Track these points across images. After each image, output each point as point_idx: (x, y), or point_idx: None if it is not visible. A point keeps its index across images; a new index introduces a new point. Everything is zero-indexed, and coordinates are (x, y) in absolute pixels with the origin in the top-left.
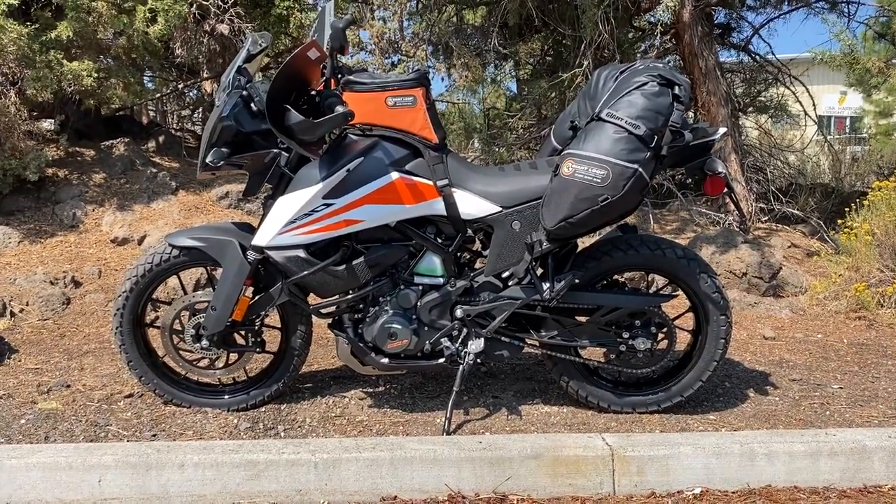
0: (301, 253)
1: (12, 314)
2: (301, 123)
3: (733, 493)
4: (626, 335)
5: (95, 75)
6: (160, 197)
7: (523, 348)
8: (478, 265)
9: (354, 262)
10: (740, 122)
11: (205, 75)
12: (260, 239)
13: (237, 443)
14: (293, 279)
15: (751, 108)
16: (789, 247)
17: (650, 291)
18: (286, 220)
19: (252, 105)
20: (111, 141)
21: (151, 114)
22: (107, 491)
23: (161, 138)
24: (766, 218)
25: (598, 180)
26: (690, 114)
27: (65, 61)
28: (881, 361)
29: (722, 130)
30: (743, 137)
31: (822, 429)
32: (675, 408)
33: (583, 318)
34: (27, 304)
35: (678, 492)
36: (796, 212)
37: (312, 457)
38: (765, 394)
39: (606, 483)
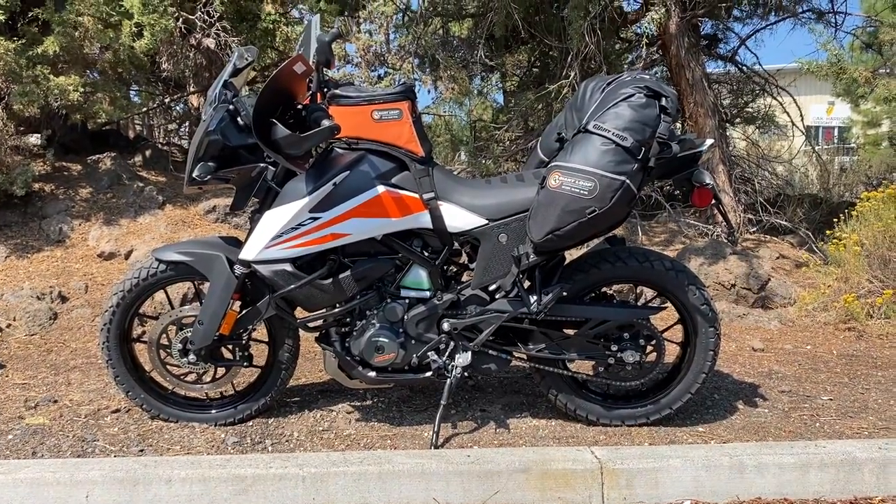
0: (288, 267)
1: (0, 329)
2: (288, 138)
3: None
4: (614, 348)
5: (82, 90)
6: (147, 211)
7: (511, 361)
8: (465, 278)
9: (341, 276)
10: (728, 133)
11: (191, 89)
12: (247, 253)
13: (225, 457)
14: (280, 293)
15: (738, 119)
16: (777, 258)
17: (639, 303)
18: (273, 235)
19: (238, 119)
20: (98, 155)
21: (138, 128)
22: None
23: (148, 153)
24: (755, 229)
25: (586, 192)
26: (678, 125)
27: (51, 76)
28: (871, 373)
29: (709, 142)
30: (731, 148)
31: (811, 440)
32: (664, 420)
33: (571, 331)
34: (14, 320)
35: None
36: (784, 223)
37: (300, 471)
38: (754, 405)
39: (595, 496)
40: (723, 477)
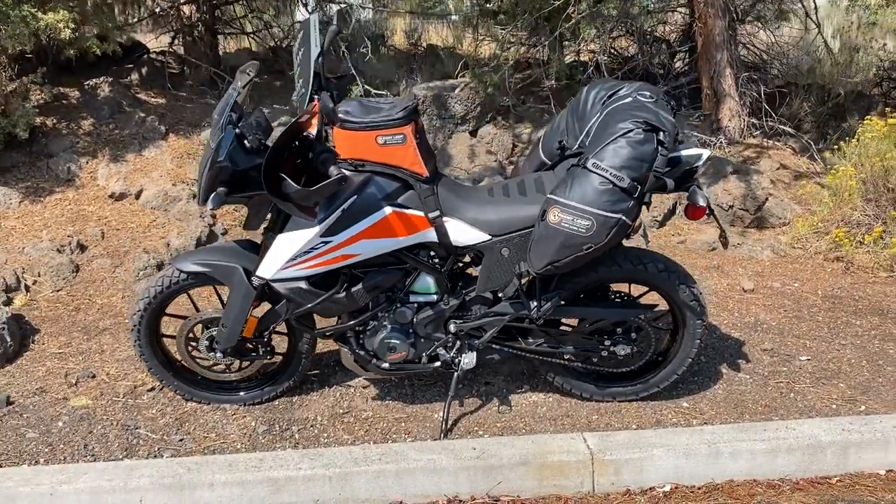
0: (303, 284)
1: (27, 288)
2: (298, 193)
3: (699, 488)
4: (608, 342)
5: (73, 26)
6: (151, 143)
7: (512, 353)
8: (470, 271)
9: (353, 289)
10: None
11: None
12: (263, 272)
13: (258, 457)
14: (298, 311)
15: (749, 18)
16: (778, 168)
17: (632, 299)
18: (287, 258)
19: (245, 142)
20: (94, 80)
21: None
22: None
23: (144, 70)
24: (758, 133)
25: (583, 230)
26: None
27: (39, 14)
28: (850, 321)
29: (705, 155)
30: (738, 50)
31: (783, 421)
32: (651, 396)
33: (569, 321)
34: (39, 276)
35: (650, 489)
36: (789, 129)
37: (326, 471)
38: (737, 369)
39: (587, 483)
40: (701, 463)
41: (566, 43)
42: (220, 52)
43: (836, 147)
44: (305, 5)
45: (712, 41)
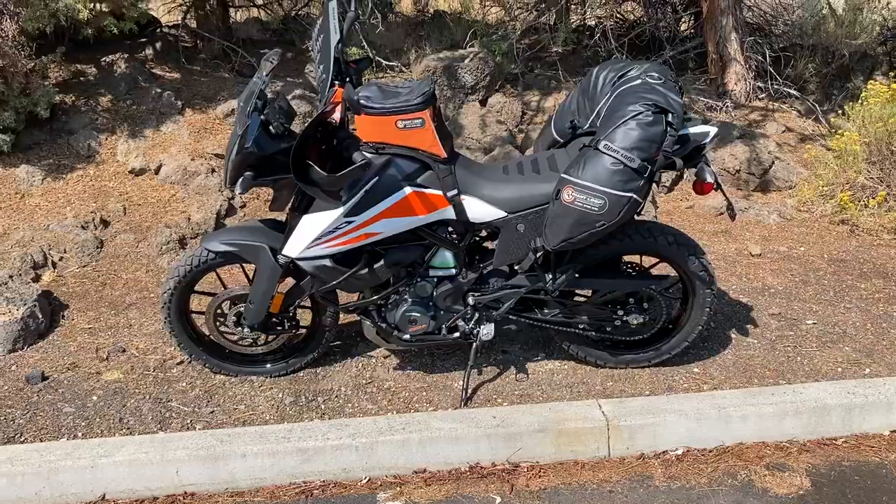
0: (328, 262)
1: (54, 264)
2: (325, 179)
3: (710, 451)
4: (620, 312)
5: (91, 6)
6: (168, 119)
7: (529, 324)
8: (487, 245)
9: (375, 266)
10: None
11: None
12: (290, 251)
13: (287, 428)
14: (323, 288)
15: None
16: (784, 131)
17: (644, 270)
18: (313, 238)
19: (271, 128)
20: (110, 57)
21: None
22: (185, 480)
23: (158, 45)
24: (763, 96)
25: (596, 209)
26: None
27: None
28: (856, 284)
29: (713, 132)
30: (744, 13)
31: (790, 385)
32: (663, 363)
33: (583, 292)
34: (65, 252)
35: (663, 452)
36: (794, 92)
37: (353, 441)
38: (745, 334)
39: (602, 448)
40: (711, 427)
41: (573, 6)
42: (231, 24)
43: (840, 111)
44: None
45: (717, 6)
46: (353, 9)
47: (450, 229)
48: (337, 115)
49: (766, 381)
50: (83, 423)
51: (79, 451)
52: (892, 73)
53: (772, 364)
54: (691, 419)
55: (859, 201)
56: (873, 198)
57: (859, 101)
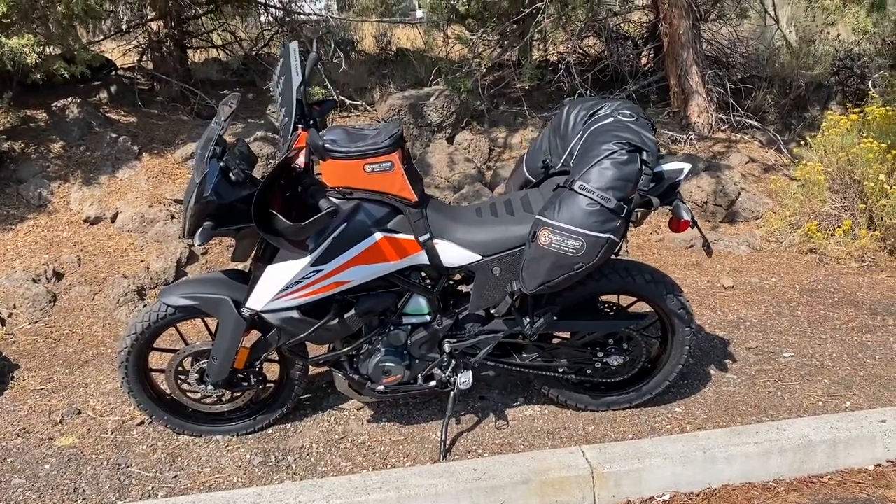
0: (295, 314)
1: (2, 321)
2: (289, 228)
3: (696, 495)
4: (600, 354)
5: (39, 49)
6: (125, 164)
7: (506, 369)
8: (461, 289)
9: (346, 315)
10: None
11: (150, 15)
12: (254, 303)
13: (256, 492)
14: (291, 342)
15: (713, 16)
16: (747, 162)
17: (622, 309)
18: (279, 289)
19: (230, 175)
20: (62, 101)
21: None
22: None
23: (112, 88)
24: (726, 127)
25: (574, 251)
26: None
27: (3, 38)
28: (829, 314)
29: (686, 168)
30: (703, 47)
31: (773, 422)
32: (644, 403)
33: (562, 335)
34: (14, 308)
35: (650, 498)
36: (755, 123)
37: (327, 503)
38: (724, 370)
39: (588, 497)
40: (697, 470)
41: (535, 43)
42: (189, 65)
43: (801, 141)
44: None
45: (678, 40)
46: (315, 49)
47: (423, 275)
48: (301, 160)
49: (749, 418)
50: (34, 496)
51: None
52: (848, 104)
53: (753, 400)
54: (677, 462)
55: (826, 230)
56: (839, 226)
57: (820, 132)
